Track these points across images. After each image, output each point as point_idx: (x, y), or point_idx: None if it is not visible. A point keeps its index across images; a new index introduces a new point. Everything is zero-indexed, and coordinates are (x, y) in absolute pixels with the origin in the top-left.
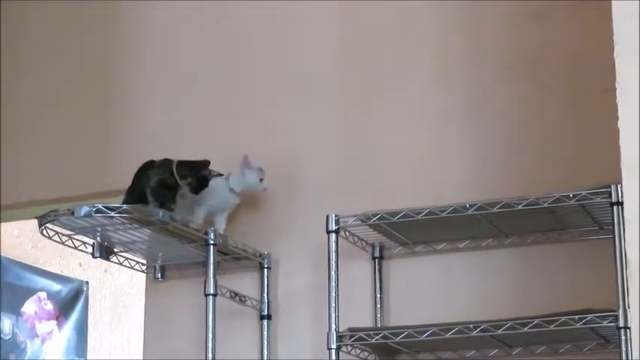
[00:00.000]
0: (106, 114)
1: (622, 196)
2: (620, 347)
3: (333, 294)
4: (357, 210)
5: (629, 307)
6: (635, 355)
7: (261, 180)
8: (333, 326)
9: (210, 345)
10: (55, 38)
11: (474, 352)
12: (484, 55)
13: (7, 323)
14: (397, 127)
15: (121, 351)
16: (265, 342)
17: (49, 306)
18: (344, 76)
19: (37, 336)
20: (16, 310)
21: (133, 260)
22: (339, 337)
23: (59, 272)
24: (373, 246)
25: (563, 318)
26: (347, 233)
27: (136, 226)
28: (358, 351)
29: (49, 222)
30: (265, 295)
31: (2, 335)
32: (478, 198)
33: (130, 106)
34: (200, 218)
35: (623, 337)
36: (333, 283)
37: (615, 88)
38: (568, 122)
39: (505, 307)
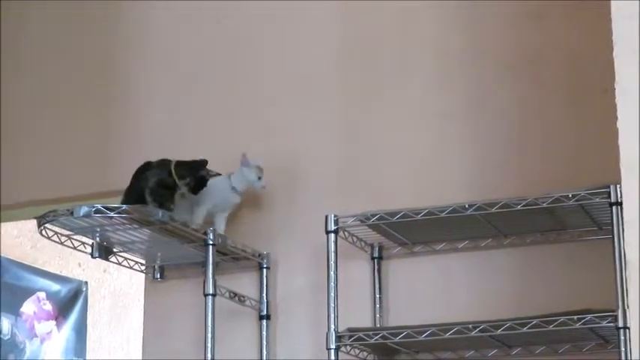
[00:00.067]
0: (106, 114)
1: (621, 197)
2: (619, 347)
3: (332, 294)
4: (356, 210)
5: (628, 308)
6: (635, 355)
7: (259, 178)
8: (332, 326)
9: (209, 345)
10: (55, 38)
11: (473, 352)
12: (484, 55)
13: (6, 323)
14: (397, 127)
15: (120, 351)
16: (264, 342)
17: (48, 306)
18: (344, 76)
19: (36, 336)
20: (15, 310)
21: (132, 260)
22: (338, 338)
23: (58, 272)
24: (372, 246)
25: (563, 318)
26: (346, 233)
27: (135, 226)
28: (357, 351)
29: (48, 222)
30: (264, 295)
31: (1, 335)
32: (477, 198)
33: (130, 106)
34: (200, 218)
35: (622, 338)
36: (332, 284)
37: (614, 88)
38: (567, 122)
39: (504, 307)
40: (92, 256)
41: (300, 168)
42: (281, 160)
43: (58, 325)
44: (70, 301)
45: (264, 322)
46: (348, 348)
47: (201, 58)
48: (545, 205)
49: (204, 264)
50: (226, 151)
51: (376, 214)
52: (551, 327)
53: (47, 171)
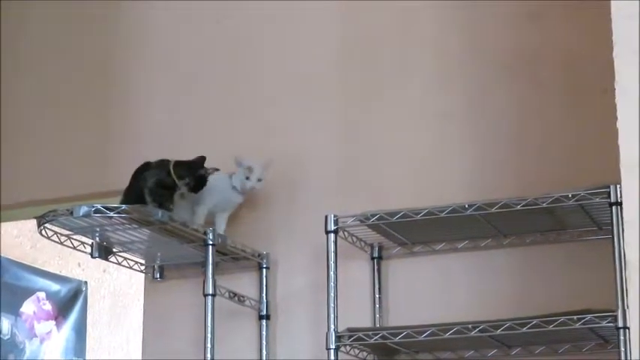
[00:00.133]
0: (106, 114)
1: (621, 197)
2: (619, 347)
3: (332, 294)
4: (356, 210)
5: (628, 308)
6: (635, 355)
7: (247, 178)
8: (332, 326)
9: (209, 345)
10: (55, 38)
11: (472, 352)
12: (483, 55)
13: (6, 323)
14: (397, 127)
15: (120, 351)
16: (264, 342)
17: (48, 306)
18: (344, 76)
19: (36, 336)
20: (14, 310)
21: (132, 260)
22: (338, 338)
23: (58, 272)
24: (372, 246)
25: (562, 318)
26: (346, 233)
27: (135, 226)
28: (357, 351)
29: (48, 222)
30: (264, 295)
31: (1, 335)
32: (477, 198)
33: (130, 106)
34: (201, 218)
35: (622, 338)
36: (331, 284)
37: (614, 88)
38: (567, 122)
39: (504, 307)
40: (92, 256)
41: (300, 168)
42: (281, 160)
43: (58, 325)
44: (69, 301)
45: (264, 322)
46: (348, 348)
47: (201, 58)
48: (544, 205)
49: (204, 264)
50: (226, 151)
51: (376, 214)
52: (551, 327)
53: (47, 171)
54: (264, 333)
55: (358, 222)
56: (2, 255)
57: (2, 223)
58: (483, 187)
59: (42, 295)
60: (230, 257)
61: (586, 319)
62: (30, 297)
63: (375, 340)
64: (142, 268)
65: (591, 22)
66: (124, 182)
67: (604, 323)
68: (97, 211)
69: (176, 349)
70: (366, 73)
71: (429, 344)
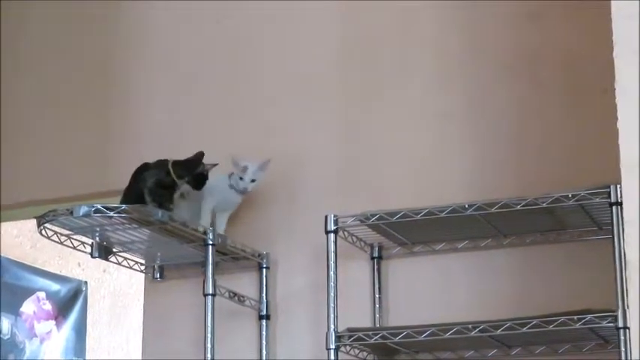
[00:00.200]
0: (106, 114)
1: (621, 197)
2: (619, 347)
3: (332, 294)
4: (356, 210)
5: (628, 308)
6: (635, 355)
7: (240, 178)
8: (332, 326)
9: (209, 345)
10: (55, 38)
11: (472, 352)
12: (483, 55)
13: (6, 323)
14: (397, 127)
15: (120, 351)
16: (264, 342)
17: (48, 306)
18: (344, 76)
19: (36, 336)
20: (14, 310)
21: (132, 260)
22: (338, 338)
23: (58, 272)
24: (372, 246)
25: (562, 318)
26: (346, 233)
27: (135, 226)
28: (357, 351)
29: (47, 222)
30: (264, 295)
31: (1, 335)
32: (477, 198)
33: (130, 106)
34: (207, 219)
35: (622, 338)
36: (331, 284)
37: (614, 88)
38: (567, 122)
39: (504, 307)
40: (92, 256)
41: (300, 168)
42: (281, 160)
43: (58, 325)
44: (69, 300)
45: (264, 322)
46: (348, 348)
47: (201, 58)
48: (544, 205)
49: (204, 264)
50: (226, 151)
51: (376, 214)
52: (551, 327)
53: (47, 171)
54: (264, 333)
55: (358, 222)
56: (2, 255)
57: (2, 223)
58: (483, 187)
59: (42, 294)
60: (230, 257)
61: (586, 319)
62: (30, 297)
63: (375, 340)
64: (142, 268)
65: (591, 22)
66: (124, 182)
67: (604, 323)
68: (97, 211)
69: (176, 349)
70: (366, 73)
71: (429, 344)
